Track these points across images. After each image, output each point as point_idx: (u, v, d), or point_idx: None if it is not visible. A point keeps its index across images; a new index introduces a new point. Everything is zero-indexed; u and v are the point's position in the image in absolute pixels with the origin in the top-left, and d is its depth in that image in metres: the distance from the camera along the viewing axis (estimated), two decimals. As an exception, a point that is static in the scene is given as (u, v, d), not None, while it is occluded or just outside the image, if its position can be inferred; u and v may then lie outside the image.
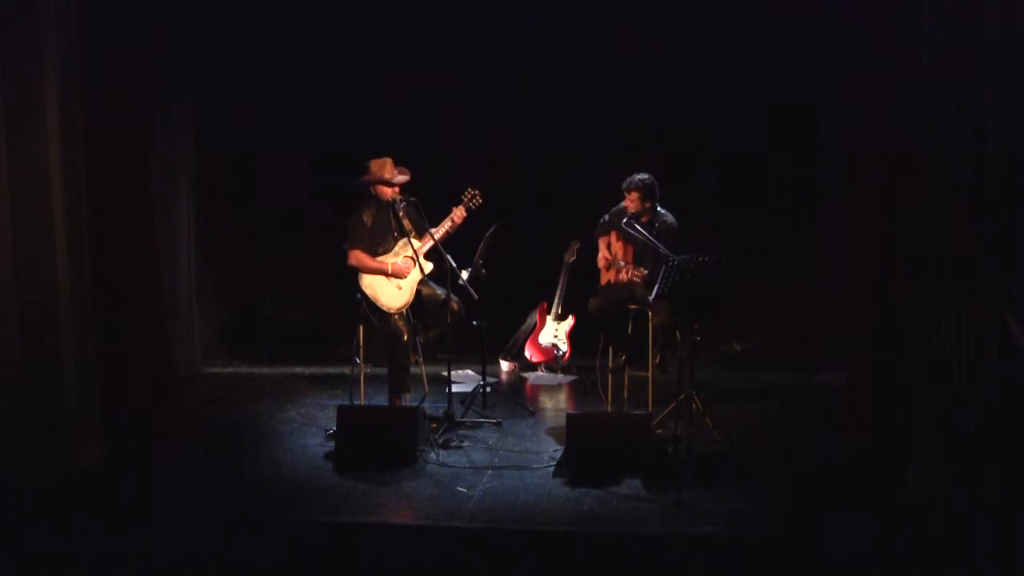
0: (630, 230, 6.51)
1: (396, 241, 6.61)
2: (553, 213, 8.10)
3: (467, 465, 5.85)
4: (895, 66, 5.98)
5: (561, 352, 7.87)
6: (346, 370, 6.91)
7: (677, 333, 6.54)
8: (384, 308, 6.51)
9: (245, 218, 8.44)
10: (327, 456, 6.01)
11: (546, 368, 7.93)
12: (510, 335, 8.02)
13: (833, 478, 5.56)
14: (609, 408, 6.68)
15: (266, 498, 5.46)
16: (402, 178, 6.55)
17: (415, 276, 6.58)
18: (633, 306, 6.70)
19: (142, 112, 6.69)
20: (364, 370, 6.80)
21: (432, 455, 5.93)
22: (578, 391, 7.47)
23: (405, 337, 6.48)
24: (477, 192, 6.62)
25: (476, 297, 6.58)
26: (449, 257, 6.37)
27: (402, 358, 6.51)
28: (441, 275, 6.53)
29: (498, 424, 6.55)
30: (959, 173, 5.06)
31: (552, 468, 5.79)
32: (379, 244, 6.58)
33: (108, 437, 6.03)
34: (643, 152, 7.64)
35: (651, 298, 6.26)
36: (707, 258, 6.07)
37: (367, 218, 6.56)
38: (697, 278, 6.03)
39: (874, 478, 5.46)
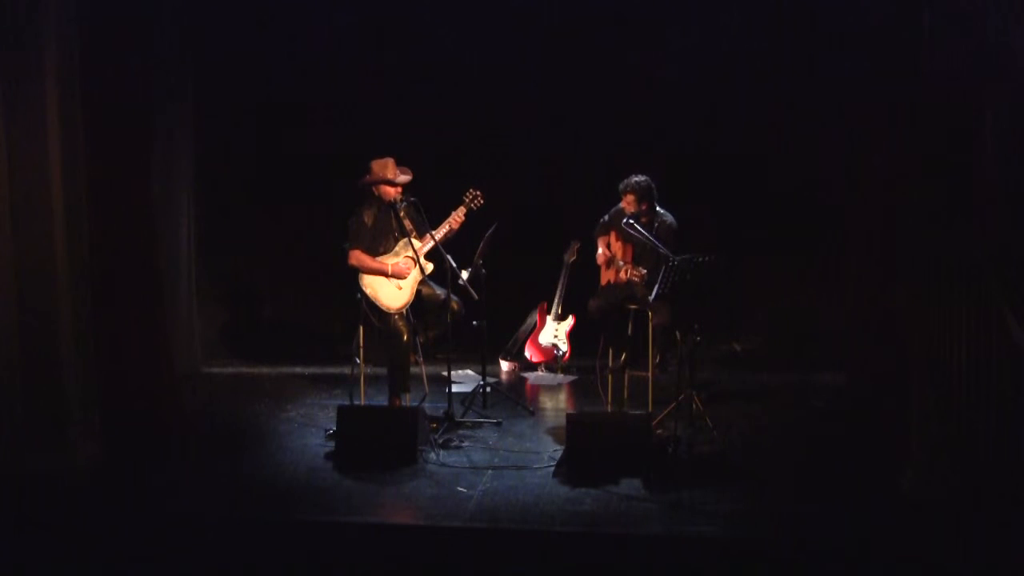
0: (630, 230, 6.50)
1: (397, 241, 6.61)
2: (553, 213, 8.10)
3: (467, 465, 5.85)
4: (895, 66, 5.99)
5: (561, 352, 7.88)
6: (346, 370, 6.91)
7: (677, 333, 6.54)
8: (384, 308, 6.51)
9: (245, 218, 8.44)
10: (327, 456, 6.02)
11: (546, 368, 7.93)
12: (510, 335, 8.02)
13: (833, 478, 5.56)
14: (609, 408, 6.68)
15: (266, 498, 5.46)
16: (404, 178, 6.55)
17: (415, 276, 6.58)
18: (633, 306, 6.70)
19: (142, 112, 6.69)
20: (364, 370, 6.80)
21: (432, 455, 5.93)
22: (578, 391, 7.47)
23: (405, 337, 6.48)
24: (479, 193, 6.62)
25: (476, 297, 6.58)
26: (449, 257, 6.37)
27: (402, 358, 6.51)
28: (441, 275, 6.53)
29: (498, 424, 6.55)
30: (959, 173, 5.06)
31: (552, 468, 5.79)
32: (380, 244, 6.58)
33: (108, 437, 6.02)
34: (643, 152, 7.64)
35: (651, 298, 6.26)
36: (707, 258, 6.07)
37: (368, 218, 6.56)
38: (697, 278, 6.03)
39: (874, 478, 5.46)
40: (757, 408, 6.88)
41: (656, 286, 6.12)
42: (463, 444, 6.20)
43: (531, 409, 6.93)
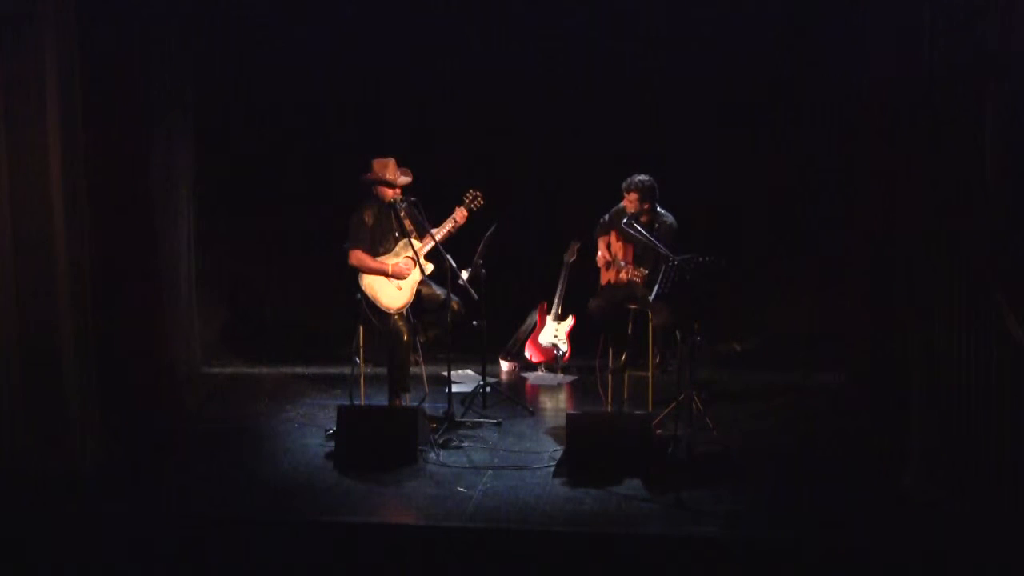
0: (630, 230, 6.51)
1: (397, 241, 6.61)
2: (553, 213, 8.10)
3: (467, 465, 5.85)
4: (895, 66, 5.99)
5: (561, 352, 7.87)
6: (346, 370, 6.91)
7: (677, 333, 6.54)
8: (384, 308, 6.50)
9: (245, 218, 8.43)
10: (327, 456, 6.01)
11: (546, 368, 7.93)
12: (510, 335, 8.02)
13: (833, 478, 5.56)
14: (609, 408, 6.68)
15: (266, 498, 5.46)
16: (404, 180, 6.55)
17: (415, 276, 6.58)
18: (633, 306, 6.70)
19: (142, 112, 6.70)
20: (364, 370, 6.80)
21: (432, 455, 5.92)
22: (578, 391, 7.47)
23: (405, 337, 6.48)
24: (479, 193, 6.62)
25: (476, 297, 6.58)
26: (449, 257, 6.37)
27: (402, 358, 6.51)
28: (441, 275, 6.53)
29: (498, 424, 6.55)
30: (959, 172, 5.06)
31: (552, 468, 5.79)
32: (380, 244, 6.58)
33: (108, 437, 6.03)
34: (643, 152, 7.65)
35: (651, 298, 6.26)
36: (707, 258, 6.07)
37: (368, 218, 6.55)
38: (697, 278, 6.03)
39: (874, 478, 5.46)
40: (757, 408, 6.88)
41: (656, 286, 6.12)
42: (463, 444, 6.20)
43: (531, 409, 6.93)
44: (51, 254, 5.70)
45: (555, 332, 7.87)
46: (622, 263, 6.67)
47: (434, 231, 6.46)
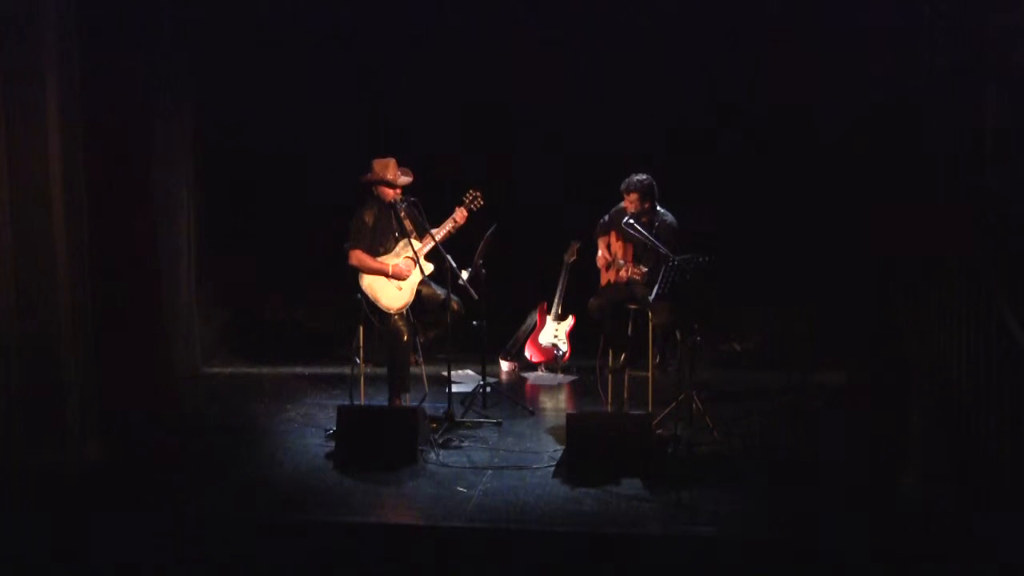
0: (630, 230, 6.50)
1: (397, 242, 6.61)
2: (553, 213, 8.10)
3: (467, 465, 5.85)
4: (895, 66, 5.99)
5: (561, 352, 7.87)
6: (346, 370, 6.90)
7: (677, 333, 6.54)
8: (384, 308, 6.50)
9: (245, 218, 8.43)
10: (327, 456, 6.01)
11: (546, 368, 7.93)
12: (510, 335, 8.02)
13: (833, 478, 5.56)
14: (609, 408, 6.68)
15: (266, 498, 5.46)
16: (405, 180, 6.55)
17: (415, 276, 6.58)
18: (633, 306, 6.70)
19: (142, 112, 6.70)
20: (364, 370, 6.80)
21: (432, 455, 5.92)
22: (578, 391, 7.47)
23: (405, 337, 6.48)
24: (479, 194, 6.63)
25: (476, 297, 6.58)
26: (449, 257, 6.37)
27: (402, 358, 6.51)
28: (441, 275, 6.53)
29: (498, 424, 6.55)
30: (959, 173, 5.06)
31: (552, 468, 5.79)
32: (380, 244, 6.58)
33: (108, 437, 6.03)
34: (643, 152, 7.64)
35: (651, 298, 6.26)
36: (707, 258, 6.07)
37: (368, 218, 6.56)
38: (697, 278, 6.03)
39: (874, 478, 5.46)
40: (757, 408, 6.88)
41: (656, 286, 6.12)
42: (463, 444, 6.20)
43: (531, 409, 6.93)
44: (51, 254, 5.71)
45: (555, 332, 7.88)
46: (621, 261, 6.67)
47: (434, 231, 6.46)
